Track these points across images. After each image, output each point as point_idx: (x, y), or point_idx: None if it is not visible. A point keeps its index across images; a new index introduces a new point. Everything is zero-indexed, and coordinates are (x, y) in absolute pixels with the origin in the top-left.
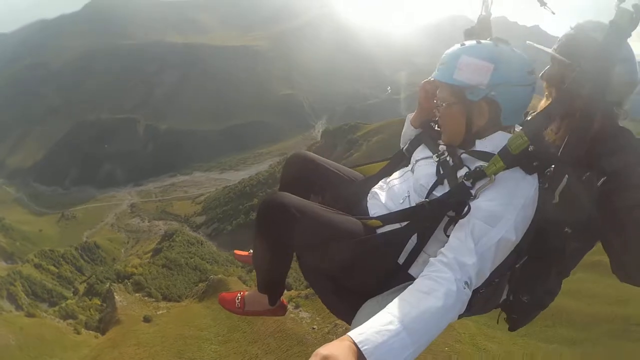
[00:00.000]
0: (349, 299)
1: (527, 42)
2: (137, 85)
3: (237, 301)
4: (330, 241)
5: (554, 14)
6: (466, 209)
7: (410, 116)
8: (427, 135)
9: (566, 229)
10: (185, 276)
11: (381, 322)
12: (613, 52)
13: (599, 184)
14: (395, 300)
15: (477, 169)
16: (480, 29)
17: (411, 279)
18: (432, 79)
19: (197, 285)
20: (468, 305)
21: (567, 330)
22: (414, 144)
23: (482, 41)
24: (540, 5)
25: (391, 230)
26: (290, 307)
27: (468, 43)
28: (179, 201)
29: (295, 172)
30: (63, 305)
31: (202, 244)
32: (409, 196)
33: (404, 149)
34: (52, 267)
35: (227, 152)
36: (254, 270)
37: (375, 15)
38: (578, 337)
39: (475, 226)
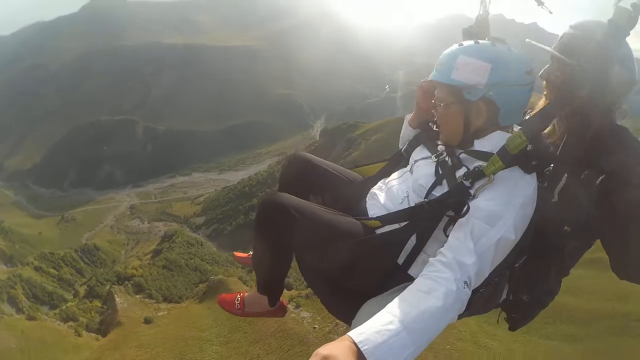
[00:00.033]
0: (348, 299)
1: (527, 40)
2: (136, 87)
3: (236, 302)
4: (329, 242)
5: (551, 13)
6: (465, 208)
7: (408, 117)
8: (425, 136)
9: (565, 228)
10: (186, 277)
11: (381, 322)
12: (612, 51)
13: (597, 182)
14: (395, 300)
15: (476, 169)
16: (478, 29)
17: (411, 279)
18: (430, 79)
19: (197, 286)
20: (468, 305)
21: (568, 326)
22: (412, 145)
23: (480, 41)
24: (538, 5)
25: (390, 231)
26: (291, 306)
27: (466, 43)
28: (179, 202)
29: (294, 173)
30: (63, 307)
31: (202, 245)
32: (407, 196)
33: (403, 149)
34: (52, 270)
35: (226, 153)
36: (254, 271)
37: (374, 14)
38: (578, 334)
39: (475, 226)
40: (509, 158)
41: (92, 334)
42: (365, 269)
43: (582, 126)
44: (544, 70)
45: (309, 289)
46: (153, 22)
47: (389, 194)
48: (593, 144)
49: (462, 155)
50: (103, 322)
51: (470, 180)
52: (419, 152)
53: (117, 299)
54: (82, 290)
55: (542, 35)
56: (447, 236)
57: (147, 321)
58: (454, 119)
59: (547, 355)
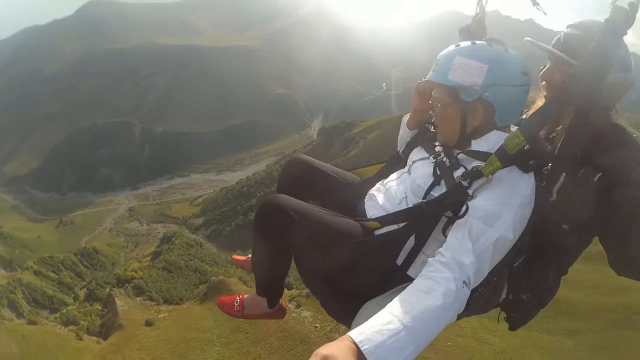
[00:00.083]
0: (347, 301)
1: (526, 38)
2: (132, 89)
3: (236, 304)
4: (328, 243)
5: (545, 14)
6: (464, 209)
7: (405, 119)
8: (423, 137)
9: (564, 226)
10: (186, 278)
11: (381, 322)
12: (609, 50)
13: (595, 179)
14: (395, 300)
15: (474, 169)
16: (475, 29)
17: (410, 279)
18: (427, 79)
19: (197, 287)
20: (467, 305)
21: (569, 321)
22: (410, 146)
23: (477, 42)
24: (533, 5)
25: (389, 232)
26: (291, 306)
27: (463, 44)
28: (177, 204)
29: (293, 175)
30: (64, 311)
31: (201, 246)
32: (406, 197)
33: (401, 151)
34: (51, 274)
35: (224, 153)
36: (253, 273)
37: (369, 11)
38: (580, 328)
39: (473, 226)
40: (507, 158)
41: (93, 337)
42: (365, 270)
43: (581, 125)
44: (544, 71)
45: None
46: (149, 24)
47: (387, 195)
48: (591, 143)
49: (460, 156)
50: (104, 325)
51: (468, 180)
52: (417, 153)
53: (117, 302)
54: (82, 294)
55: (538, 31)
56: (446, 236)
57: (148, 323)
58: (451, 120)
59: (549, 350)
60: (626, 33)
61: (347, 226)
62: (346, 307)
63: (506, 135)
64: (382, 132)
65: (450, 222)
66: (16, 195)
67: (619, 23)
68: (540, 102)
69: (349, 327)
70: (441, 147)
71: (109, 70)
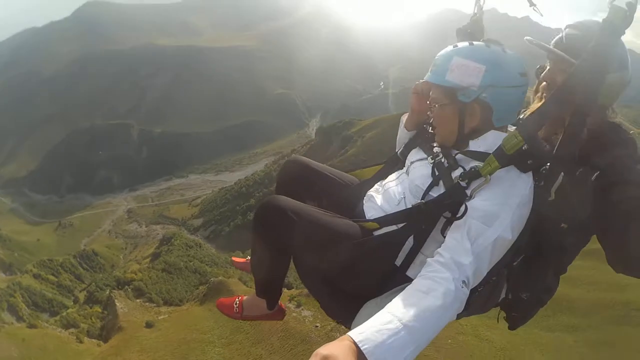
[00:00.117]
0: (346, 302)
1: (526, 38)
2: (130, 90)
3: (235, 306)
4: (327, 244)
5: (542, 15)
6: (462, 209)
7: (404, 119)
8: (421, 138)
9: (562, 225)
10: (185, 279)
11: (381, 322)
12: (607, 50)
13: (592, 178)
14: (395, 300)
15: (472, 170)
16: (472, 29)
17: (409, 280)
18: (425, 80)
19: (197, 288)
20: (466, 304)
21: (568, 317)
22: (408, 147)
23: (475, 42)
24: (530, 6)
25: (388, 232)
26: (292, 305)
27: (460, 44)
28: (176, 204)
29: (291, 177)
30: (64, 314)
31: (200, 247)
32: (404, 198)
33: (399, 152)
34: (51, 277)
35: (222, 154)
36: (252, 274)
37: (367, 11)
38: (579, 324)
39: (472, 226)
40: (505, 158)
41: (93, 340)
42: (364, 270)
43: (579, 125)
44: (545, 73)
45: None
46: (147, 25)
47: (385, 196)
48: (588, 142)
49: (458, 156)
50: (104, 328)
51: (466, 181)
52: (415, 154)
53: (117, 304)
54: (81, 296)
55: (535, 28)
56: (445, 237)
57: (149, 325)
58: (448, 120)
59: (549, 347)
60: (624, 33)
61: (345, 227)
62: (345, 308)
63: (504, 135)
64: (379, 130)
65: (449, 222)
66: (14, 197)
67: (617, 23)
68: (536, 102)
69: (349, 327)
70: (439, 148)
71: (107, 71)
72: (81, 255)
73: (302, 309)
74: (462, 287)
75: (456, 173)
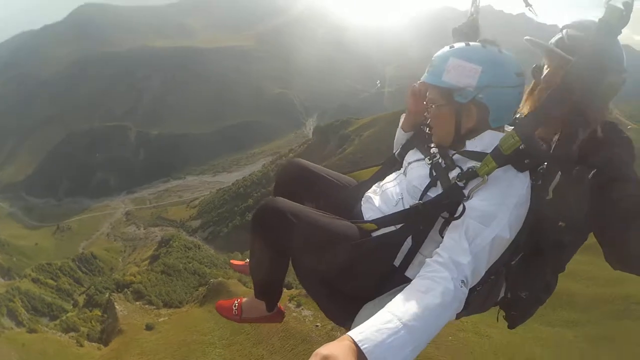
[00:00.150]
0: (345, 303)
1: (526, 37)
2: (127, 92)
3: (234, 308)
4: (326, 245)
5: (537, 16)
6: (460, 209)
7: (402, 121)
8: (418, 139)
9: (560, 224)
10: (185, 281)
11: (380, 321)
12: (604, 50)
13: (589, 176)
14: (394, 300)
15: (470, 170)
16: (468, 29)
17: (408, 281)
18: (421, 80)
19: (197, 290)
20: (465, 304)
21: (568, 312)
22: (405, 148)
23: (471, 43)
24: (526, 6)
25: (386, 233)
26: (292, 305)
27: (457, 45)
28: (174, 206)
29: (289, 179)
30: (63, 318)
31: (199, 248)
32: (402, 199)
33: (396, 153)
34: (50, 281)
35: (220, 154)
36: (251, 277)
37: (363, 9)
38: (579, 319)
39: (469, 226)
40: (502, 158)
41: (93, 343)
42: (362, 271)
43: (577, 124)
44: (546, 74)
45: None
46: (143, 27)
47: (383, 197)
48: (586, 141)
49: (455, 157)
50: (104, 331)
51: (464, 181)
52: (412, 155)
53: (117, 307)
54: (81, 300)
55: (531, 25)
56: (443, 237)
57: (149, 328)
58: (445, 121)
59: (549, 342)
60: (620, 32)
61: (344, 228)
62: (344, 309)
63: (500, 134)
64: (377, 129)
65: (447, 222)
66: (12, 202)
67: (613, 22)
68: (529, 102)
69: (348, 329)
70: (436, 149)
71: (103, 73)
72: (80, 258)
73: (302, 309)
74: (461, 287)
75: (453, 173)
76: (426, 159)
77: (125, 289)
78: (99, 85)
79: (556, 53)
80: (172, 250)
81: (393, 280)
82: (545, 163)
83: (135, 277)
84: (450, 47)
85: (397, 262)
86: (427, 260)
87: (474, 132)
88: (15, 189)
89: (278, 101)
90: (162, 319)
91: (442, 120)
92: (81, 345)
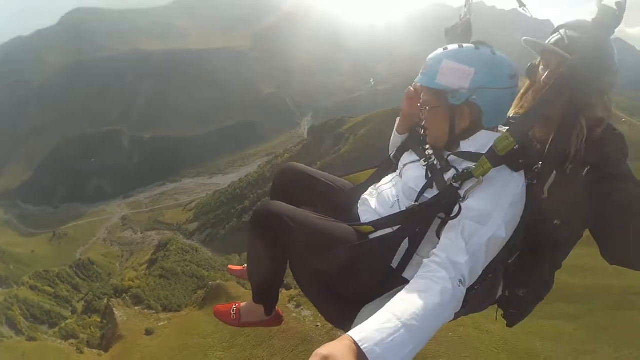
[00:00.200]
0: (344, 305)
1: (524, 38)
2: (119, 96)
3: (232, 313)
4: (323, 248)
5: (532, 16)
6: (457, 210)
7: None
8: (413, 141)
9: (555, 222)
10: (183, 285)
11: (380, 321)
12: (597, 50)
13: (583, 173)
14: (393, 300)
15: (465, 171)
16: (461, 29)
17: (406, 282)
18: (416, 82)
19: (196, 293)
20: (464, 302)
21: (567, 305)
22: (401, 150)
23: (464, 45)
24: (520, 7)
25: (383, 235)
26: (291, 306)
27: (450, 47)
28: (170, 210)
29: (286, 183)
30: (63, 325)
31: (197, 251)
32: (398, 200)
33: (392, 155)
34: (48, 288)
35: (215, 156)
36: (249, 281)
37: (355, 6)
38: (578, 311)
39: (466, 226)
40: (496, 159)
41: (94, 350)
42: (360, 273)
43: (571, 125)
44: (546, 76)
45: None
46: (134, 30)
47: (379, 199)
48: (581, 139)
49: (450, 157)
50: (104, 337)
51: (459, 182)
52: (408, 157)
53: (116, 313)
54: (79, 307)
55: (523, 21)
56: (440, 238)
57: (149, 332)
58: (439, 122)
59: (549, 335)
60: (614, 32)
61: (341, 231)
62: (343, 312)
63: (495, 134)
64: (371, 127)
65: (444, 223)
66: (7, 210)
67: (607, 22)
68: (523, 102)
69: (347, 331)
70: (431, 150)
71: (96, 78)
72: (77, 265)
73: (302, 309)
74: (459, 286)
75: (449, 175)
76: (421, 160)
77: (124, 294)
78: (92, 90)
79: (558, 54)
80: (169, 254)
81: (391, 281)
82: (540, 163)
83: (133, 282)
84: (444, 49)
85: (394, 263)
86: (425, 260)
87: (468, 133)
88: (10, 196)
89: (272, 101)
90: (161, 324)
91: (436, 122)
92: (81, 352)
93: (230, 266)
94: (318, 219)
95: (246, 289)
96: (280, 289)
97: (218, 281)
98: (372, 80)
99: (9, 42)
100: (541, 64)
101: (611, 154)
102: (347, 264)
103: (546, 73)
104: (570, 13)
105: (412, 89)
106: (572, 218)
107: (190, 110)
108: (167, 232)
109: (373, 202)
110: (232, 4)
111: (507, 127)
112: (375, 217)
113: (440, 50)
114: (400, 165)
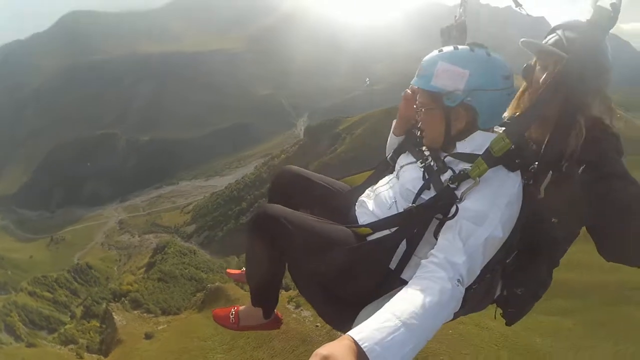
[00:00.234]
0: (343, 307)
1: (522, 40)
2: (115, 99)
3: (231, 317)
4: (321, 250)
5: (529, 15)
6: (454, 210)
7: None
8: (409, 142)
9: (553, 220)
10: (182, 287)
11: (379, 320)
12: (592, 52)
13: (579, 171)
14: (392, 300)
15: (461, 172)
16: (456, 30)
17: (404, 283)
18: (411, 84)
19: (194, 296)
20: (462, 302)
21: (565, 300)
22: (397, 152)
23: (459, 47)
24: (515, 7)
25: (381, 237)
26: (290, 307)
27: (445, 49)
28: (168, 212)
29: (283, 186)
30: (62, 331)
31: (195, 253)
32: (395, 202)
33: (389, 157)
34: (46, 293)
35: (212, 158)
36: (247, 285)
37: (350, 6)
38: (576, 307)
39: (463, 226)
40: (492, 160)
41: (93, 355)
42: (359, 275)
43: (567, 125)
44: (545, 78)
45: None
46: (129, 33)
47: (377, 201)
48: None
49: (447, 159)
50: (103, 342)
51: (456, 183)
52: (404, 158)
53: (115, 317)
54: (78, 311)
55: (517, 18)
56: (437, 239)
57: (148, 336)
58: (435, 124)
59: (548, 331)
60: (608, 33)
61: (339, 233)
62: (342, 313)
63: (491, 135)
64: (368, 126)
65: (441, 224)
66: (5, 215)
67: (602, 23)
68: (519, 103)
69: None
70: (428, 151)
71: (91, 81)
72: (75, 269)
73: (302, 310)
74: (458, 286)
75: (446, 176)
76: (418, 162)
77: (123, 298)
78: (88, 92)
79: (557, 54)
80: (167, 257)
81: (389, 283)
82: (536, 163)
83: (131, 285)
84: (439, 52)
85: (392, 265)
86: (423, 261)
87: (464, 134)
88: (7, 202)
89: (268, 103)
90: (161, 327)
91: (432, 124)
92: (81, 358)
93: (228, 270)
94: (315, 221)
95: (245, 290)
96: (280, 291)
97: (217, 283)
98: (367, 79)
99: (5, 45)
100: (538, 64)
101: (607, 152)
102: (345, 266)
103: (545, 74)
104: (565, 10)
105: (409, 91)
106: (569, 216)
107: (186, 113)
108: (165, 235)
109: (370, 204)
110: (227, 5)
111: (503, 128)
112: (373, 219)
113: (435, 53)
114: (397, 166)
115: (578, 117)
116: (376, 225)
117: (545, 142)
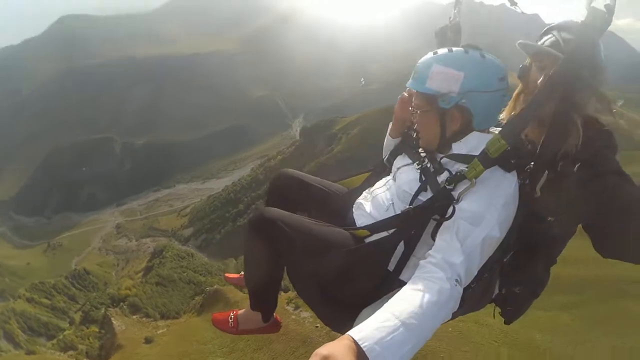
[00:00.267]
0: (341, 309)
1: (519, 41)
2: (110, 103)
3: (230, 321)
4: (319, 253)
5: (523, 13)
6: (451, 211)
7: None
8: (406, 144)
9: (549, 219)
10: (181, 291)
11: (379, 320)
12: (587, 52)
13: (574, 170)
14: (392, 300)
15: (458, 174)
16: (452, 32)
17: (403, 284)
18: (407, 87)
19: (193, 299)
20: (461, 302)
21: (563, 296)
22: (394, 154)
23: (454, 49)
24: (511, 5)
25: (379, 239)
26: (290, 308)
27: (440, 51)
28: (165, 216)
29: (280, 190)
30: (61, 337)
31: (193, 257)
32: (393, 204)
33: (385, 159)
34: (44, 300)
35: (208, 161)
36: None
37: (344, 6)
38: (574, 302)
39: (460, 227)
40: (489, 161)
41: None
42: (357, 277)
43: (562, 125)
44: (542, 79)
45: None
46: (122, 36)
47: (374, 203)
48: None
49: (443, 160)
50: (103, 348)
51: (453, 184)
52: (401, 160)
53: (114, 322)
54: (77, 317)
55: (511, 16)
56: (435, 240)
57: (148, 341)
58: (430, 126)
59: (547, 326)
60: (602, 34)
61: (337, 235)
62: (340, 315)
63: (486, 135)
64: (364, 126)
65: (439, 225)
66: (1, 222)
67: (596, 24)
68: (515, 105)
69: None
70: (424, 153)
71: (86, 85)
72: (73, 275)
73: (301, 311)
74: (456, 286)
75: (442, 177)
76: (415, 163)
77: (121, 303)
78: (83, 96)
79: (554, 55)
80: (165, 261)
81: (388, 284)
82: (532, 163)
83: (130, 290)
84: (434, 54)
85: (391, 266)
86: (421, 262)
87: (459, 135)
88: (3, 208)
89: (264, 104)
90: (160, 331)
91: (427, 125)
92: None
93: (227, 274)
94: (313, 223)
95: (244, 293)
96: (279, 292)
97: (215, 286)
98: (362, 79)
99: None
100: (533, 65)
101: (602, 150)
102: (344, 268)
103: (542, 76)
104: (559, 7)
105: (405, 94)
106: (566, 215)
107: (182, 115)
108: (162, 238)
109: (368, 206)
110: (222, 6)
111: (499, 129)
112: (371, 221)
113: (430, 55)
114: (393, 168)
115: (574, 116)
116: (374, 227)
117: (541, 142)
